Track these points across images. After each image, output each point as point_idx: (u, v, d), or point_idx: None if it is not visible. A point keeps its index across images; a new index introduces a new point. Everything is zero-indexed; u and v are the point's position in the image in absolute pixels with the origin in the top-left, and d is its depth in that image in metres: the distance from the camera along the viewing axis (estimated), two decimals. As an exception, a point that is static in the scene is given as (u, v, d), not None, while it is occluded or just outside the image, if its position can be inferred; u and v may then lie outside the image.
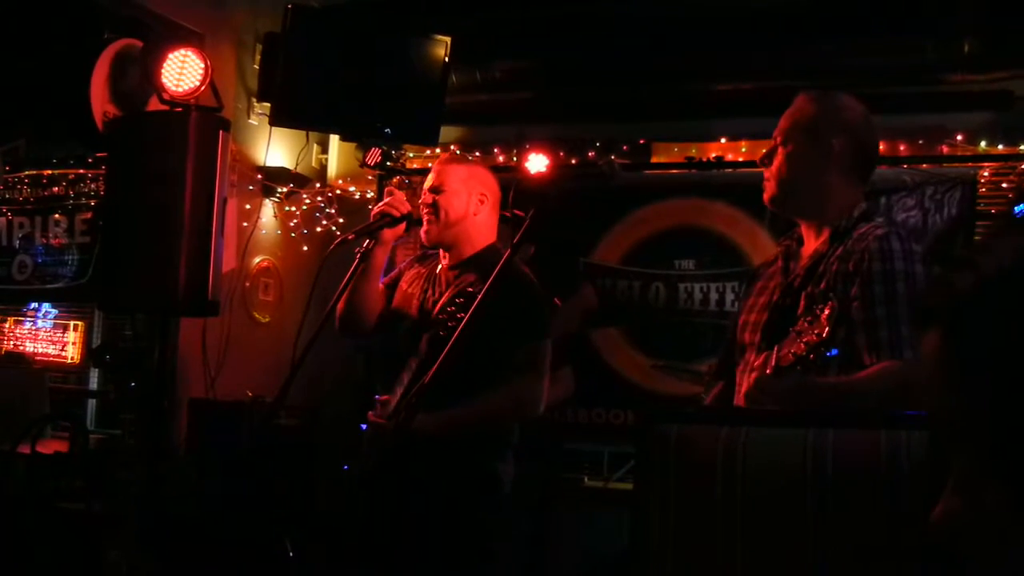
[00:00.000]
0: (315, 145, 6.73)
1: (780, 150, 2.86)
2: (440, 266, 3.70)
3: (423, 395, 2.70)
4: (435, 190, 3.65)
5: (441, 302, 3.53)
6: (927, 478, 1.94)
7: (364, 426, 3.57)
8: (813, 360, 2.34)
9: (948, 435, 0.93)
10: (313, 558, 4.74)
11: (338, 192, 6.61)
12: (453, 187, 3.65)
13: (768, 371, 2.45)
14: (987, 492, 0.90)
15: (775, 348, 2.46)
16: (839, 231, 2.77)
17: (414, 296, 3.68)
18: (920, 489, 1.94)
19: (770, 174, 2.88)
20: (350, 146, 6.19)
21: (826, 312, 2.27)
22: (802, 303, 2.68)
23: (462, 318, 3.24)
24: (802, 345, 2.32)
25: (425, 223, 3.65)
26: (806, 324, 2.33)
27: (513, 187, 3.35)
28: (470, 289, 3.49)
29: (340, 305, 3.65)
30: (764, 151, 2.92)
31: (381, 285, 3.77)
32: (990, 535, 0.91)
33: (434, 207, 3.63)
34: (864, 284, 2.60)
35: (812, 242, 2.85)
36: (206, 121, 3.93)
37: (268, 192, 6.35)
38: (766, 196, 2.91)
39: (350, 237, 3.66)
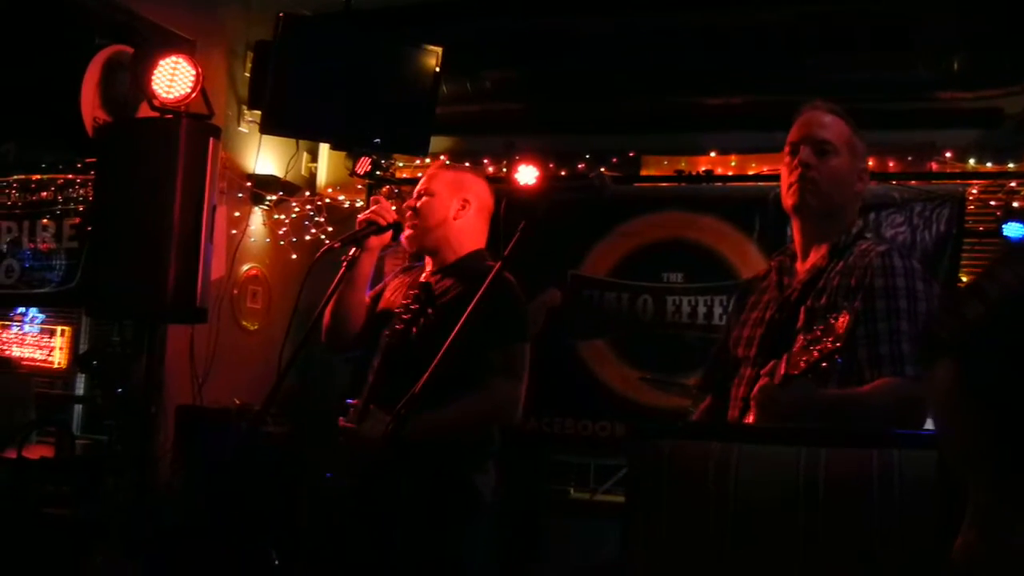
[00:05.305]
0: (305, 153, 6.74)
1: (828, 160, 2.80)
2: (424, 273, 3.69)
3: (412, 407, 2.68)
4: (420, 194, 3.67)
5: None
6: (925, 498, 1.95)
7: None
8: (826, 368, 2.34)
9: (963, 464, 0.93)
10: (298, 566, 4.73)
11: (327, 200, 6.60)
12: (436, 191, 3.66)
13: (776, 380, 2.44)
14: (1005, 523, 0.89)
15: (783, 357, 2.45)
16: (838, 247, 2.79)
17: (394, 303, 3.65)
18: (912, 509, 1.95)
19: (809, 176, 2.79)
20: (340, 155, 6.18)
21: (841, 320, 2.27)
22: (801, 317, 2.68)
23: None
24: (815, 353, 2.31)
25: (407, 227, 3.66)
26: (819, 332, 2.32)
27: (503, 199, 3.35)
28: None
29: (326, 314, 3.64)
30: (807, 151, 2.80)
31: (367, 299, 3.76)
32: (1009, 567, 0.90)
33: (415, 211, 3.64)
34: (866, 299, 2.61)
35: (810, 256, 2.85)
36: (196, 128, 3.91)
37: (257, 200, 6.36)
38: (798, 198, 2.80)
39: (336, 245, 3.65)
